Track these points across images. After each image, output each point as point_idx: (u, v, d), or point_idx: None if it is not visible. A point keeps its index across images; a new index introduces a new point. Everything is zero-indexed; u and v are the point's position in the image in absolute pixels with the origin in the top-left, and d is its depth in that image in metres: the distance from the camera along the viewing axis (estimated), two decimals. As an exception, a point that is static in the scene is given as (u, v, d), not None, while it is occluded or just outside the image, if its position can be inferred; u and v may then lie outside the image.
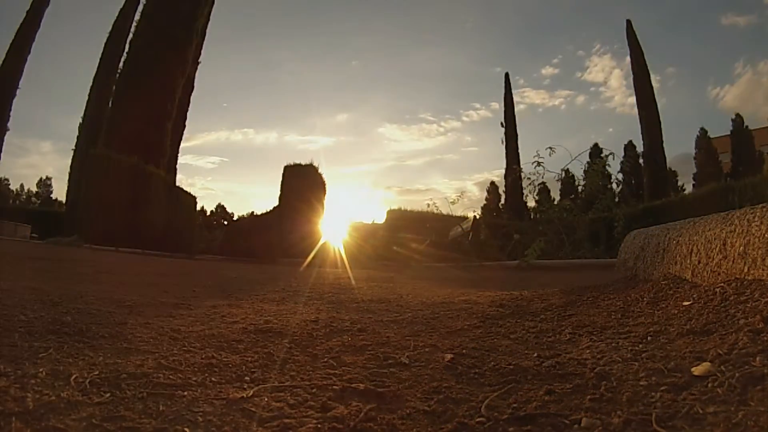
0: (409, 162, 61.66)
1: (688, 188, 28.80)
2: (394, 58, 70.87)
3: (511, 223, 14.53)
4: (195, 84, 19.46)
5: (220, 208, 42.72)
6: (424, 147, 63.03)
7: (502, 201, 32.50)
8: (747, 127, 28.49)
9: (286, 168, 13.97)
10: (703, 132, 29.55)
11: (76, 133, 22.45)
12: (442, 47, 67.90)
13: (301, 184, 13.47)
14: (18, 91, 21.29)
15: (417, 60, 66.42)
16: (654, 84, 25.19)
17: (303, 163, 14.14)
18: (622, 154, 30.22)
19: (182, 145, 19.13)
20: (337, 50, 70.13)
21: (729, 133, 29.03)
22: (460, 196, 19.65)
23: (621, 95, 56.31)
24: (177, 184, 15.32)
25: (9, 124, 21.20)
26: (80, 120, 22.40)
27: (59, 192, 37.65)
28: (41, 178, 44.59)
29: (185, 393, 0.80)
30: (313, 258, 11.55)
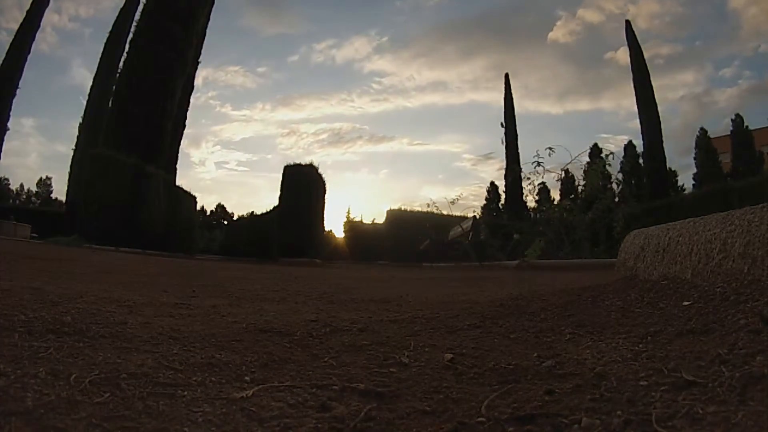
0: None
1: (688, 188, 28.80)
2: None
3: (511, 223, 14.53)
4: (195, 84, 19.49)
5: (220, 207, 42.75)
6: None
7: (502, 201, 32.50)
8: (747, 127, 28.44)
9: (286, 168, 13.99)
10: (703, 132, 29.49)
11: (75, 132, 22.47)
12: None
13: (301, 184, 13.49)
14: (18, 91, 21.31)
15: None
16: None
17: (303, 163, 14.16)
18: (622, 154, 30.21)
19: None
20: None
21: (729, 133, 29.00)
22: (459, 196, 19.66)
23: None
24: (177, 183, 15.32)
25: (9, 124, 21.24)
26: (80, 120, 22.42)
27: (59, 192, 37.54)
28: (41, 178, 44.69)
29: (185, 393, 0.80)
30: (314, 258, 11.54)
